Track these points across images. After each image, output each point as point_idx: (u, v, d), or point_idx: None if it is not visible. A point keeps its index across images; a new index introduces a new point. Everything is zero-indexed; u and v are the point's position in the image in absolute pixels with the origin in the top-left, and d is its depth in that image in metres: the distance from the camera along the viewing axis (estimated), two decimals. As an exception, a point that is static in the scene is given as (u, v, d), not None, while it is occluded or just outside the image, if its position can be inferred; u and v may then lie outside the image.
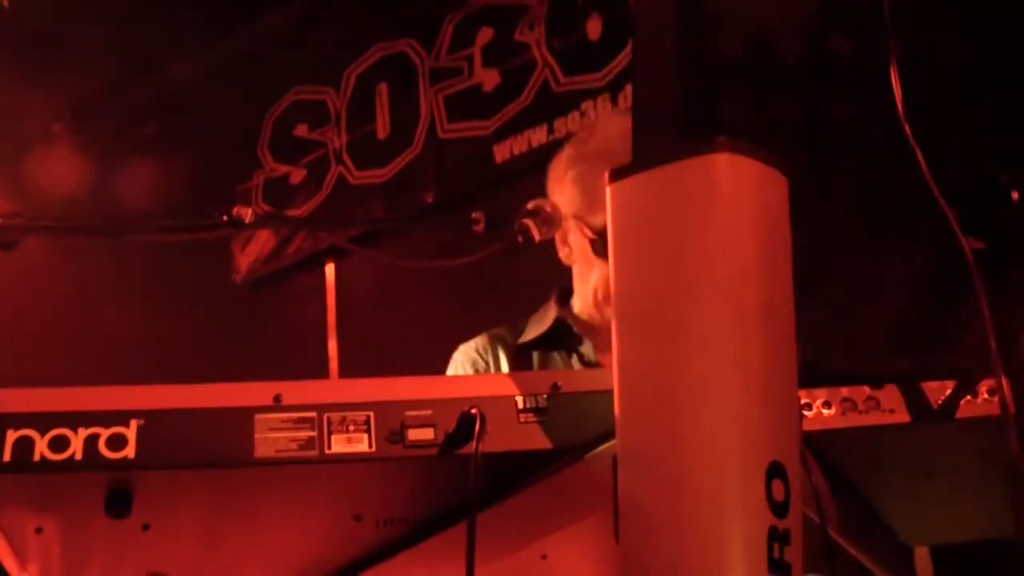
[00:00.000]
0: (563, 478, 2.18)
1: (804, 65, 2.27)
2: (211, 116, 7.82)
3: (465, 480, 2.11)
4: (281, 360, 6.96)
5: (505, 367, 3.62)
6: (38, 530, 2.20)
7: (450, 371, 3.70)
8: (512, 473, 2.18)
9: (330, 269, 7.45)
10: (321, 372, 7.07)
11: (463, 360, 3.68)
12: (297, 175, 7.61)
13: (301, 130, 7.61)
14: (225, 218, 2.53)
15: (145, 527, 2.20)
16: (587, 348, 3.60)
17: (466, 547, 2.04)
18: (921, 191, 2.16)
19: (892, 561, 2.65)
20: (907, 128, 2.16)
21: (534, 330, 3.69)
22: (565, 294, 3.73)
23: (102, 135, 8.22)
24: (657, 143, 2.18)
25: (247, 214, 2.51)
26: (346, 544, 2.28)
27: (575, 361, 3.60)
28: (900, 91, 2.18)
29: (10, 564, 2.27)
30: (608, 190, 2.09)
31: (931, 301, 2.44)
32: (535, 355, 3.64)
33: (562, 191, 3.60)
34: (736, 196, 2.03)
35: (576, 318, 3.65)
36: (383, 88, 7.23)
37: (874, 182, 2.23)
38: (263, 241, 7.57)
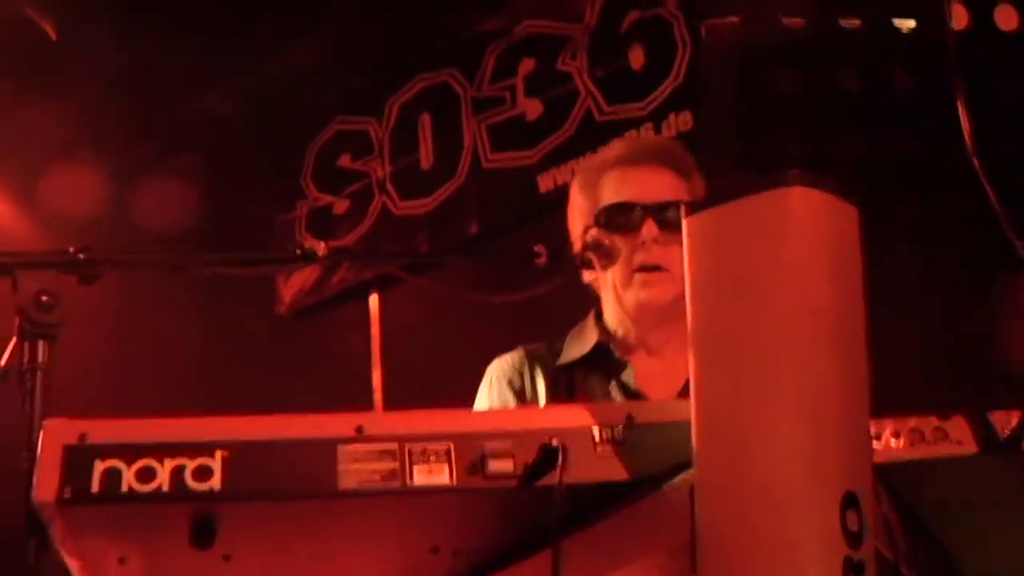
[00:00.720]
0: (636, 511, 2.19)
1: (866, 100, 2.29)
2: (253, 147, 7.86)
3: (541, 511, 2.14)
4: (325, 390, 7.01)
5: (542, 387, 3.56)
6: (121, 560, 2.22)
7: (484, 385, 3.66)
8: (585, 505, 2.20)
9: (374, 300, 7.51)
10: (365, 402, 7.11)
11: (499, 375, 3.62)
12: (341, 205, 7.65)
13: (344, 160, 7.65)
14: (299, 251, 2.56)
15: (226, 558, 2.22)
16: (628, 375, 3.53)
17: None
18: (980, 223, 2.18)
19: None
20: (977, 163, 2.19)
21: (574, 350, 3.62)
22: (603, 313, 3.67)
23: (143, 166, 8.27)
24: (724, 177, 2.21)
25: (320, 247, 2.55)
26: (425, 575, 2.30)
27: (614, 388, 3.53)
28: (969, 127, 2.21)
29: (92, 595, 2.30)
30: (684, 224, 2.13)
31: (990, 329, 2.46)
32: (575, 377, 3.57)
33: (573, 211, 3.65)
34: (810, 228, 2.07)
35: (618, 340, 3.59)
36: (426, 118, 7.28)
37: (933, 214, 2.25)
38: (307, 272, 7.60)
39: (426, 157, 7.24)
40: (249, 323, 7.72)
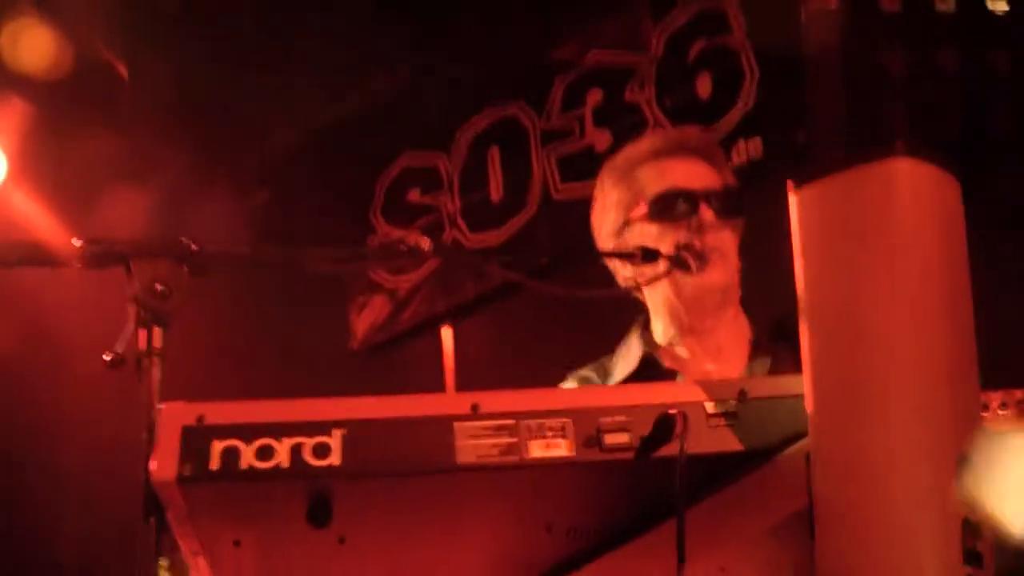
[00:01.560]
0: (751, 482, 2.21)
1: (965, 77, 2.30)
2: (322, 182, 7.89)
3: (655, 484, 2.15)
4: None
5: None
6: (236, 543, 2.25)
7: None
8: (698, 477, 2.20)
9: (447, 333, 7.47)
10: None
11: None
12: (411, 239, 7.65)
13: (413, 195, 7.67)
14: (403, 247, 2.59)
15: (341, 540, 2.24)
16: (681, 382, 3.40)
17: (676, 547, 2.08)
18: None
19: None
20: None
21: (622, 369, 3.57)
22: (648, 322, 3.62)
23: (213, 201, 8.29)
24: (831, 152, 2.23)
25: (425, 242, 2.57)
26: (538, 554, 2.31)
27: None
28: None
29: (207, 577, 2.32)
30: (792, 197, 2.15)
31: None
32: None
33: (604, 207, 3.61)
34: (916, 199, 2.09)
35: (664, 348, 3.54)
36: (495, 151, 7.29)
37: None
38: (379, 307, 7.62)
39: (495, 189, 7.25)
40: (321, 359, 7.72)
